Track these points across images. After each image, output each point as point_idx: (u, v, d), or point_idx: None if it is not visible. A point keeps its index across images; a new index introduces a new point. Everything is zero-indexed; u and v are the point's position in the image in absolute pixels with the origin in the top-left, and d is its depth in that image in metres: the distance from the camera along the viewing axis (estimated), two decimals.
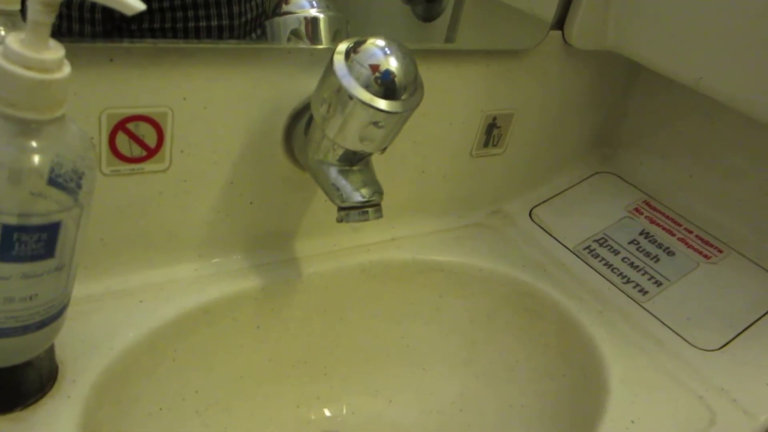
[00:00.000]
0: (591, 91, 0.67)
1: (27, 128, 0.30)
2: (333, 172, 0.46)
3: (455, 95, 0.57)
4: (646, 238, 0.63)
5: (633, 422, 0.47)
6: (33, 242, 0.31)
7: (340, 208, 0.46)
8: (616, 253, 0.62)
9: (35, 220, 0.31)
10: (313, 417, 0.57)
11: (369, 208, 0.46)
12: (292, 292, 0.54)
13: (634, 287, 0.59)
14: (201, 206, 0.49)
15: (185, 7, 0.44)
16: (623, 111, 0.71)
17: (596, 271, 0.61)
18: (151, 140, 0.44)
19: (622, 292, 0.59)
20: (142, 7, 0.28)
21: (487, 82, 0.58)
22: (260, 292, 0.52)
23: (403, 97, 0.42)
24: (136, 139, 0.43)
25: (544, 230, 0.65)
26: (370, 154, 0.46)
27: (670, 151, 0.69)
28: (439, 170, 0.60)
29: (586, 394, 0.53)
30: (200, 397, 0.51)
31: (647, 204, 0.67)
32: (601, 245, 0.63)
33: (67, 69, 0.30)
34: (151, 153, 0.44)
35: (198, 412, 0.51)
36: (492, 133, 0.61)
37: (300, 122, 0.48)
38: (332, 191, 0.46)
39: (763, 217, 0.63)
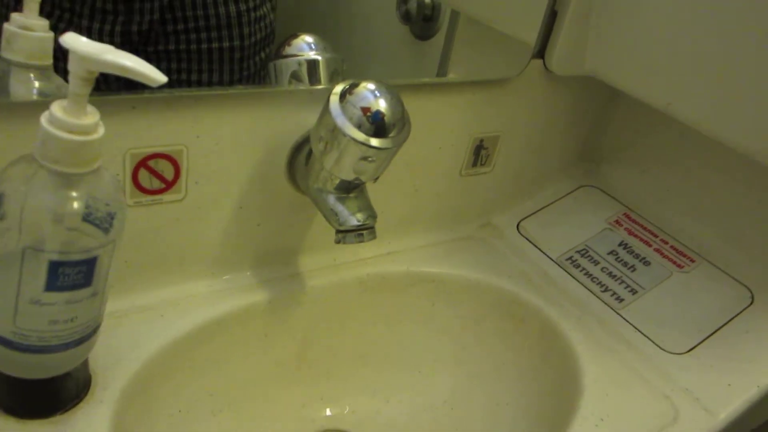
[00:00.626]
0: (572, 112, 0.72)
1: (68, 180, 0.35)
2: (331, 199, 0.52)
3: (444, 122, 0.62)
4: (624, 248, 0.68)
5: (602, 420, 0.52)
6: (74, 274, 0.37)
7: (338, 231, 0.51)
8: (596, 263, 0.67)
9: (76, 256, 0.36)
10: (316, 416, 0.63)
11: (364, 231, 0.51)
12: (296, 304, 0.60)
13: (611, 295, 0.64)
14: (213, 229, 0.55)
15: (198, 30, 0.49)
16: (603, 129, 0.76)
17: (577, 280, 0.66)
18: (168, 174, 0.49)
19: (600, 299, 0.64)
20: (164, 79, 0.33)
21: (474, 108, 0.63)
22: (267, 304, 0.58)
23: (391, 134, 0.48)
24: (156, 174, 0.49)
25: (530, 242, 0.70)
26: (363, 183, 0.52)
27: (649, 166, 0.74)
28: (431, 189, 0.66)
29: (562, 393, 0.58)
30: (214, 400, 0.57)
31: (627, 216, 0.72)
32: (582, 256, 0.68)
33: (101, 130, 0.35)
34: (169, 185, 0.50)
35: (212, 413, 0.57)
36: (480, 153, 0.66)
37: (301, 153, 0.54)
38: (331, 216, 0.52)
39: (732, 228, 0.68)
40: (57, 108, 0.34)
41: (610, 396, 0.55)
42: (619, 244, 0.69)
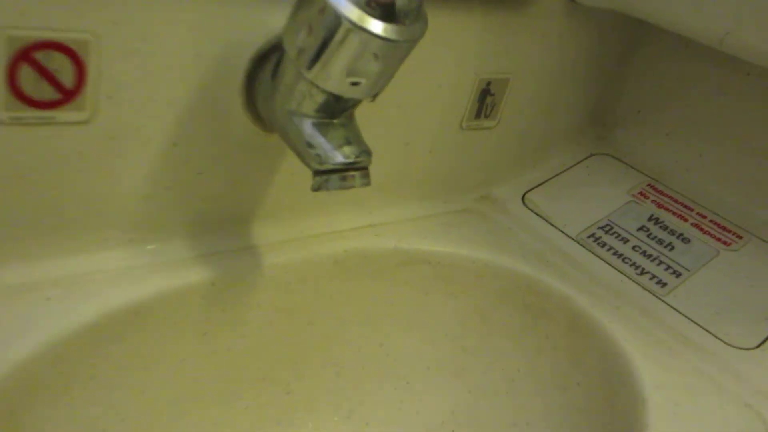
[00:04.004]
0: (590, 57, 0.60)
1: None
2: (308, 127, 0.36)
3: (448, 50, 0.48)
4: (656, 224, 0.56)
5: None
6: None
7: (317, 172, 0.36)
8: (625, 241, 0.54)
9: None
10: None
11: (355, 172, 0.36)
12: (248, 289, 0.44)
13: (650, 279, 0.51)
14: (134, 175, 0.38)
15: None
16: (622, 82, 0.65)
17: (605, 261, 0.53)
18: (67, 78, 0.33)
19: (638, 284, 0.51)
20: None
21: (482, 37, 0.49)
22: (208, 288, 0.42)
23: (405, 22, 0.33)
24: (47, 75, 0.32)
25: (541, 217, 0.57)
26: (356, 103, 0.37)
27: (676, 129, 0.63)
28: (425, 143, 0.51)
29: (610, 405, 0.44)
30: (128, 428, 0.40)
31: (652, 187, 0.60)
32: (606, 233, 0.55)
33: None
34: (68, 96, 0.33)
35: None
36: (485, 101, 0.52)
37: (266, 66, 0.38)
38: (306, 151, 0.36)
39: None
40: None
41: (681, 407, 0.41)
42: (650, 219, 0.56)
